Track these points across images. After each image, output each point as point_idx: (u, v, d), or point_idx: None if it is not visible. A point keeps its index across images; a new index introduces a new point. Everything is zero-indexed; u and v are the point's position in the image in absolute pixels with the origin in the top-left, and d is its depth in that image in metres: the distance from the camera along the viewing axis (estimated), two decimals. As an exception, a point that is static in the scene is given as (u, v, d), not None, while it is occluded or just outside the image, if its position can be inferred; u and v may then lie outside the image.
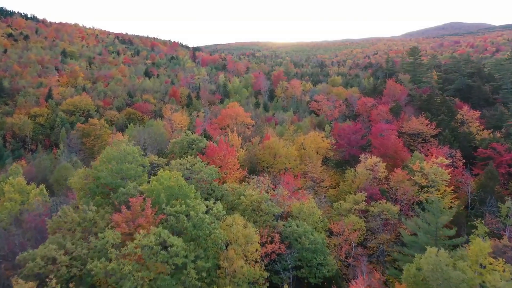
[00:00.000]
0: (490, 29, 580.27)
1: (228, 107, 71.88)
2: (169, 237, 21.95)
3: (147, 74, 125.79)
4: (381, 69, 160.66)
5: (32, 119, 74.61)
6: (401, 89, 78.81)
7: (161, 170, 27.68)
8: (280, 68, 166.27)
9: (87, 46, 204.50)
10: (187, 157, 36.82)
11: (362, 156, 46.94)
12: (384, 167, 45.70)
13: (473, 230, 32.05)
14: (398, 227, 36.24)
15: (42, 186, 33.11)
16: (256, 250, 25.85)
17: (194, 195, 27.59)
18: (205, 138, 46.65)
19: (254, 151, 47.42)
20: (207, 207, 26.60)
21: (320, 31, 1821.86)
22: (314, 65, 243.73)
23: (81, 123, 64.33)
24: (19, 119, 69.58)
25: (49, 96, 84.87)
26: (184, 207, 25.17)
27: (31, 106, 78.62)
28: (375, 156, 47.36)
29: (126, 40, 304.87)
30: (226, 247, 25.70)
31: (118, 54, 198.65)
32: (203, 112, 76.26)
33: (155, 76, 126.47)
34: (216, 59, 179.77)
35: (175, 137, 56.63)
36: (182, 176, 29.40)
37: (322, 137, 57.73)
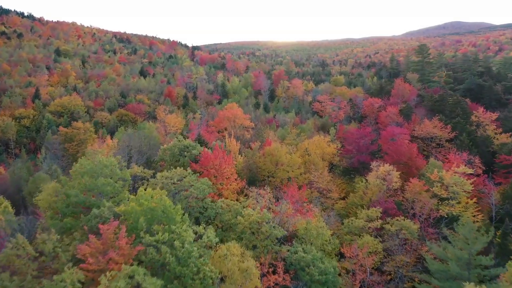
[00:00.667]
0: (491, 28, 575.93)
1: (226, 108, 67.20)
2: (144, 280, 17.26)
3: (143, 73, 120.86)
4: (385, 68, 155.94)
5: (17, 121, 69.89)
6: (410, 89, 74.09)
7: (141, 188, 22.93)
8: (281, 67, 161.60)
9: (83, 45, 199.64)
10: (177, 168, 32.11)
11: (374, 164, 42.27)
12: (398, 176, 41.07)
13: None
14: (419, 249, 31.58)
15: (6, 202, 28.35)
16: (256, 287, 21.16)
17: (181, 219, 22.89)
18: (199, 144, 41.97)
19: (253, 159, 42.73)
20: (196, 233, 21.91)
21: (321, 30, 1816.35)
22: (315, 64, 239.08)
23: (64, 126, 59.55)
24: (1, 121, 64.85)
25: (36, 96, 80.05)
26: (168, 235, 20.47)
27: (16, 107, 73.88)
28: (387, 163, 42.74)
29: (124, 39, 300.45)
30: (219, 284, 21.02)
31: (115, 53, 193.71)
32: (200, 114, 71.51)
33: (151, 76, 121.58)
34: (215, 58, 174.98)
35: (169, 141, 52.05)
36: (169, 193, 24.76)
37: (327, 141, 53.07)
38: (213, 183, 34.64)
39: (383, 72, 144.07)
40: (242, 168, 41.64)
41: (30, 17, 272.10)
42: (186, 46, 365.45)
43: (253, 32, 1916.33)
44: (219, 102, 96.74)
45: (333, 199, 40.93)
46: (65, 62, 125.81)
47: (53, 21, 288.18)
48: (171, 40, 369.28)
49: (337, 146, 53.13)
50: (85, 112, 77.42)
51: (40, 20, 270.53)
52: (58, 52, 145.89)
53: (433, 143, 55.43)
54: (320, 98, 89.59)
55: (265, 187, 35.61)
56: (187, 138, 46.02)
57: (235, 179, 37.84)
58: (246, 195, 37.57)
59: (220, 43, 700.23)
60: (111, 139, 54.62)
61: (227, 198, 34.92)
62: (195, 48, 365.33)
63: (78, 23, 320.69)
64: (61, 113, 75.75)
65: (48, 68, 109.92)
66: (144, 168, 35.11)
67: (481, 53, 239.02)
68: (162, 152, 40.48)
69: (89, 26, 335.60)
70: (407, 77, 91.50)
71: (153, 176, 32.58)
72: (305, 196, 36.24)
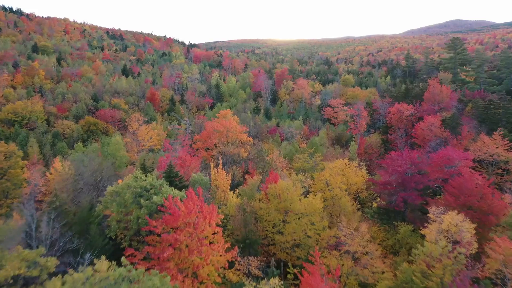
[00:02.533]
0: (494, 26, 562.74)
1: (218, 116, 52.20)
2: None
3: (125, 72, 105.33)
4: (399, 67, 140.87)
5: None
6: (448, 93, 59.06)
7: None
8: (284, 65, 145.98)
9: (68, 41, 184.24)
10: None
11: (433, 210, 27.51)
12: (473, 232, 26.32)
13: None
14: None
15: None
16: None
17: None
18: (167, 183, 27.19)
19: (251, 206, 27.87)
20: None
21: (320, 28, 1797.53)
22: (319, 62, 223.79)
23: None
24: None
25: (-14, 100, 65.30)
26: None
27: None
28: (450, 208, 28.26)
29: (116, 36, 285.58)
30: None
31: (102, 49, 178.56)
32: (185, 124, 56.52)
33: (136, 75, 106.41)
34: (211, 55, 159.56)
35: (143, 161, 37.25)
36: None
37: (354, 167, 38.37)
38: (185, 257, 20.24)
39: (397, 71, 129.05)
40: (235, 220, 26.79)
41: (18, 12, 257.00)
42: (183, 43, 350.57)
43: (253, 30, 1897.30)
44: (212, 107, 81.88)
45: (375, 272, 26.08)
46: (40, 59, 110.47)
47: (43, 16, 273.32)
48: (167, 37, 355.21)
49: (364, 174, 38.53)
50: (44, 120, 62.50)
51: (29, 15, 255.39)
52: (35, 48, 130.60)
53: (497, 168, 40.65)
54: (332, 102, 74.70)
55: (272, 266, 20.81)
56: (153, 171, 31.28)
57: (221, 246, 23.11)
58: (239, 276, 22.85)
59: (220, 41, 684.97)
60: (60, 161, 39.92)
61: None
62: (192, 45, 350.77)
63: (71, 19, 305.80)
64: (14, 121, 60.87)
65: (15, 66, 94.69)
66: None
67: (490, 51, 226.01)
68: (107, 198, 25.66)
69: (82, 22, 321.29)
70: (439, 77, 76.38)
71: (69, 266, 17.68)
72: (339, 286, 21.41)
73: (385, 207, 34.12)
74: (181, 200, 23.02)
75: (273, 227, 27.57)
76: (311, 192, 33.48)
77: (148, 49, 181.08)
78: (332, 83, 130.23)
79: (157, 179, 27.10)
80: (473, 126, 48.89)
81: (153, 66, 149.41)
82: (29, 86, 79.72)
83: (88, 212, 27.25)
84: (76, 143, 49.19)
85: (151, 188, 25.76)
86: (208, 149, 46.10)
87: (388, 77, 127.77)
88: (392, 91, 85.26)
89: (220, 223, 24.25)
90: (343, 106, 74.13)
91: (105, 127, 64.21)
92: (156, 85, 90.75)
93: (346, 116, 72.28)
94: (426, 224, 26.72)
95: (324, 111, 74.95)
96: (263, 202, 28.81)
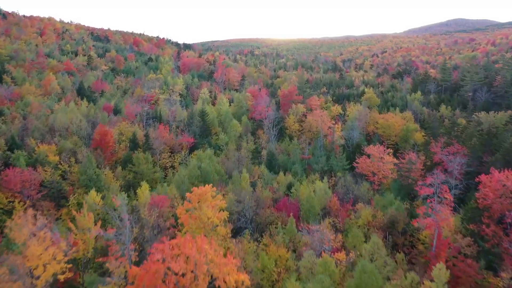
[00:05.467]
0: (499, 25, 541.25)
1: (178, 244, 25.80)
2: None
3: (82, 91, 79.03)
4: (429, 78, 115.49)
5: None
6: None
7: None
8: (289, 79, 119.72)
9: (37, 45, 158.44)
10: None
11: None
12: None
13: None
14: None
15: None
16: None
17: None
18: None
19: None
20: None
21: (319, 27, 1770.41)
22: (325, 67, 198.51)
23: None
24: None
25: None
26: None
27: None
28: None
29: (102, 37, 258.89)
30: None
31: (77, 54, 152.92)
32: (122, 225, 30.55)
33: (99, 94, 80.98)
34: (201, 63, 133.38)
35: None
36: None
37: None
38: None
39: (430, 86, 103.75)
40: None
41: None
42: (176, 44, 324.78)
43: (252, 29, 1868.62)
44: (192, 149, 56.67)
45: None
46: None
47: (24, 15, 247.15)
48: (159, 38, 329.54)
49: None
50: None
51: (5, 14, 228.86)
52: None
53: None
54: (370, 150, 49.29)
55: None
56: None
57: None
58: None
59: (218, 41, 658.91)
60: None
61: None
62: (185, 46, 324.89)
63: (57, 19, 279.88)
64: None
65: None
66: None
67: (505, 52, 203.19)
68: None
69: (69, 22, 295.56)
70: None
71: None
72: None
73: None
74: None
75: None
76: None
77: (129, 54, 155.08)
78: (349, 100, 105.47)
79: None
80: None
81: (133, 75, 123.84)
82: None
83: None
84: None
85: None
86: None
87: (419, 92, 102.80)
88: (447, 127, 60.15)
89: None
90: (386, 153, 48.99)
91: (10, 203, 39.20)
92: (117, 115, 65.47)
93: (392, 172, 47.32)
94: None
95: (357, 162, 49.78)
96: None
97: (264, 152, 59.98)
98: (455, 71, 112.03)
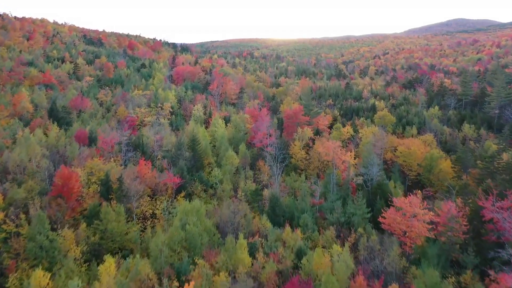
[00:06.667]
0: (501, 26, 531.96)
1: None
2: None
3: (54, 113, 67.83)
4: (445, 90, 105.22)
5: None
6: None
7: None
8: (290, 90, 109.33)
9: (20, 51, 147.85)
10: None
11: None
12: None
13: None
14: None
15: None
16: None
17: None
18: None
19: None
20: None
21: (319, 27, 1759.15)
22: (328, 73, 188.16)
23: None
24: None
25: None
26: None
27: None
28: None
29: (95, 40, 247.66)
30: None
31: (63, 61, 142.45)
32: None
33: (76, 115, 70.49)
34: (197, 72, 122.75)
35: None
36: None
37: None
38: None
39: (450, 100, 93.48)
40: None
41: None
42: (173, 46, 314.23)
43: (251, 29, 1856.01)
44: (179, 189, 46.47)
45: None
46: None
47: (16, 17, 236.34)
48: (156, 40, 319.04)
49: None
50: None
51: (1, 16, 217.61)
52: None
53: None
54: (401, 203, 38.89)
55: None
56: None
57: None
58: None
59: (217, 41, 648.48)
60: None
61: None
62: (183, 49, 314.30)
63: (51, 20, 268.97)
64: None
65: None
66: None
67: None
68: None
69: (63, 23, 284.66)
70: None
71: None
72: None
73: None
74: None
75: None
76: None
77: (120, 61, 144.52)
78: (359, 115, 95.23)
79: None
80: None
81: (122, 86, 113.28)
82: None
83: None
84: None
85: None
86: None
87: (436, 107, 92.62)
88: (482, 158, 50.02)
89: None
90: (420, 205, 38.70)
91: None
92: (92, 145, 55.05)
93: (430, 232, 37.07)
94: None
95: (383, 216, 39.54)
96: None
97: (265, 192, 49.88)
98: (475, 83, 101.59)
